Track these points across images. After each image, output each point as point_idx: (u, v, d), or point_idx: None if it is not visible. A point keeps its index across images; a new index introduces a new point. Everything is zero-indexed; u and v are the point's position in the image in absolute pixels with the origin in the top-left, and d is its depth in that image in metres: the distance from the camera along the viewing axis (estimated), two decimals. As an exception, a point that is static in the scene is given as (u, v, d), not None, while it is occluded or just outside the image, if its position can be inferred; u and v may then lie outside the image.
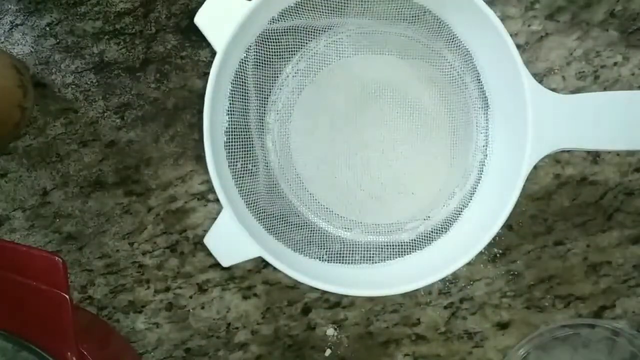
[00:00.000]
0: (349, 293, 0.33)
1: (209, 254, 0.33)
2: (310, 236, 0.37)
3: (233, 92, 0.34)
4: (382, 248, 0.37)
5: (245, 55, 0.34)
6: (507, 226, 0.40)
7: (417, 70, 0.38)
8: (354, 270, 0.36)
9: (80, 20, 0.40)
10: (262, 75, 0.37)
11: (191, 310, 0.41)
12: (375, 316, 0.41)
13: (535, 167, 0.32)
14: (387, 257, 0.36)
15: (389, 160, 0.39)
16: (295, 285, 0.41)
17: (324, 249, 0.36)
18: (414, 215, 0.38)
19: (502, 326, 0.41)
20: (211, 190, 0.41)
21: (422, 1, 0.34)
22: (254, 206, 0.35)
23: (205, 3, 0.32)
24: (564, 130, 0.32)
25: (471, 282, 0.41)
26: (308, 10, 0.35)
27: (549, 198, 0.40)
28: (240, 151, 0.35)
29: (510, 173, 0.33)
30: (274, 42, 0.36)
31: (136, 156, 0.41)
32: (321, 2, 0.35)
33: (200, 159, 0.41)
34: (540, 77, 0.40)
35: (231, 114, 0.34)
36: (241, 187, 0.35)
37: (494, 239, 0.32)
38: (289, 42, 0.37)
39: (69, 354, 0.30)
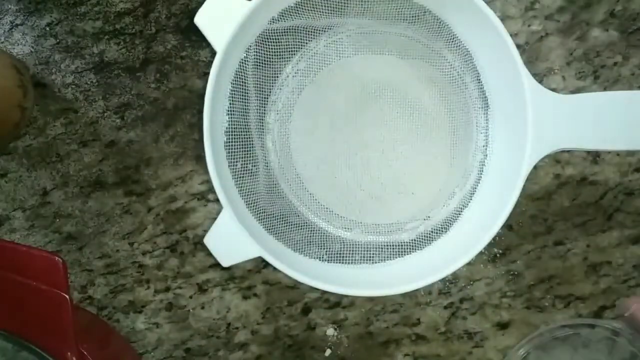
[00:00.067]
0: (349, 293, 0.33)
1: (209, 254, 0.33)
2: (310, 236, 0.37)
3: (233, 92, 0.34)
4: (382, 248, 0.37)
5: (245, 55, 0.34)
6: (507, 226, 0.40)
7: (417, 70, 0.38)
8: (354, 270, 0.36)
9: (80, 20, 0.40)
10: (262, 75, 0.37)
11: (191, 310, 0.41)
12: (375, 316, 0.41)
13: (535, 167, 0.32)
14: (387, 257, 0.36)
15: (389, 160, 0.39)
16: (295, 285, 0.41)
17: (324, 249, 0.36)
18: (414, 215, 0.38)
19: (502, 326, 0.41)
20: (211, 190, 0.41)
21: (422, 1, 0.34)
22: (254, 206, 0.35)
23: (205, 3, 0.32)
24: (564, 130, 0.32)
25: (471, 282, 0.41)
26: (308, 10, 0.35)
27: (549, 198, 0.40)
28: (240, 151, 0.35)
29: (510, 173, 0.33)
30: (274, 42, 0.36)
31: (136, 156, 0.41)
32: (321, 2, 0.35)
33: (200, 159, 0.41)
34: (540, 77, 0.40)
35: (231, 114, 0.34)
36: (241, 187, 0.35)
37: (494, 239, 0.32)
38: (289, 42, 0.37)
39: (69, 354, 0.30)
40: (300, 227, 0.38)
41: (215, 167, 0.32)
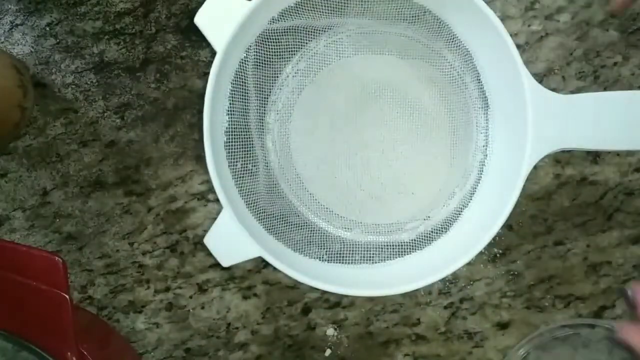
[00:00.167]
0: (349, 293, 0.33)
1: (209, 254, 0.33)
2: (310, 236, 0.37)
3: (233, 92, 0.34)
4: (382, 248, 0.37)
5: (245, 55, 0.34)
6: (507, 226, 0.40)
7: (417, 70, 0.38)
8: (354, 270, 0.36)
9: (80, 20, 0.40)
10: (262, 75, 0.37)
11: (191, 310, 0.41)
12: (375, 316, 0.41)
13: (535, 167, 0.32)
14: (387, 257, 0.36)
15: (389, 160, 0.39)
16: (295, 285, 0.41)
17: (324, 249, 0.36)
18: (414, 215, 0.38)
19: (502, 326, 0.41)
20: (211, 190, 0.41)
21: (422, 1, 0.34)
22: (254, 206, 0.35)
23: (205, 3, 0.32)
24: (564, 130, 0.32)
25: (471, 282, 0.41)
26: (308, 10, 0.35)
27: (549, 198, 0.40)
28: (240, 151, 0.35)
29: (510, 173, 0.33)
30: (274, 42, 0.36)
31: (136, 156, 0.41)
32: (321, 2, 0.35)
33: (200, 159, 0.41)
34: (540, 77, 0.40)
35: (231, 114, 0.34)
36: (241, 187, 0.35)
37: (494, 239, 0.32)
38: (289, 42, 0.37)
39: (69, 354, 0.30)
40: (300, 227, 0.38)
41: (215, 167, 0.32)
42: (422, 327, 0.41)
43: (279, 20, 0.34)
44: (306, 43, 0.38)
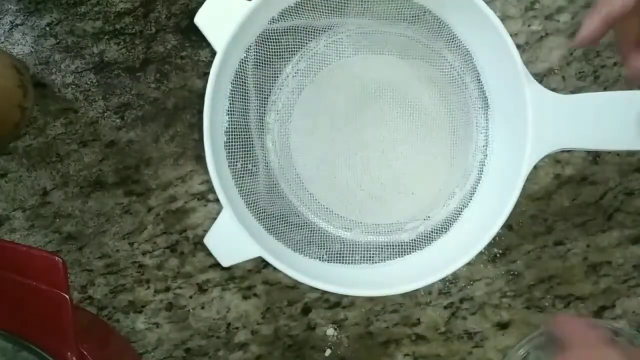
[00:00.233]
0: (349, 293, 0.33)
1: (209, 254, 0.33)
2: (310, 236, 0.37)
3: (233, 92, 0.34)
4: (382, 248, 0.37)
5: (245, 55, 0.34)
6: (507, 226, 0.40)
7: (417, 70, 0.38)
8: (354, 270, 0.36)
9: (80, 20, 0.40)
10: (262, 75, 0.37)
11: (191, 310, 0.41)
12: (375, 316, 0.41)
13: (535, 167, 0.32)
14: (387, 257, 0.36)
15: (389, 160, 0.39)
16: (295, 285, 0.41)
17: (324, 249, 0.36)
18: (414, 215, 0.38)
19: (502, 326, 0.41)
20: (211, 190, 0.41)
21: (422, 1, 0.34)
22: (254, 206, 0.35)
23: (205, 3, 0.32)
24: (564, 130, 0.32)
25: (471, 282, 0.41)
26: (308, 10, 0.35)
27: (549, 198, 0.40)
28: (240, 151, 0.35)
29: (510, 173, 0.33)
30: (274, 42, 0.36)
31: (136, 156, 0.41)
32: (321, 2, 0.35)
33: (200, 159, 0.41)
34: (540, 77, 0.40)
35: (231, 114, 0.34)
36: (241, 187, 0.35)
37: (494, 239, 0.32)
38: (289, 42, 0.37)
39: (69, 354, 0.30)
40: (300, 227, 0.38)
41: (215, 167, 0.32)
42: (422, 327, 0.41)
43: (279, 20, 0.34)
44: (306, 43, 0.38)
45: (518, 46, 0.32)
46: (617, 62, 0.40)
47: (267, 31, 0.35)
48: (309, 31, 0.37)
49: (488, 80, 0.35)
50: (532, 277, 0.41)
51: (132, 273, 0.41)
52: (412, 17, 0.36)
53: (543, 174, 0.40)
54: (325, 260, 0.36)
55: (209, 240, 0.33)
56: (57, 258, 0.30)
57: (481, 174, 0.36)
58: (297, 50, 0.38)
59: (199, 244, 0.41)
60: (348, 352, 0.41)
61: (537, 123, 0.32)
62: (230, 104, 0.34)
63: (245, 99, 0.36)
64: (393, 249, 0.37)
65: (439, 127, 0.38)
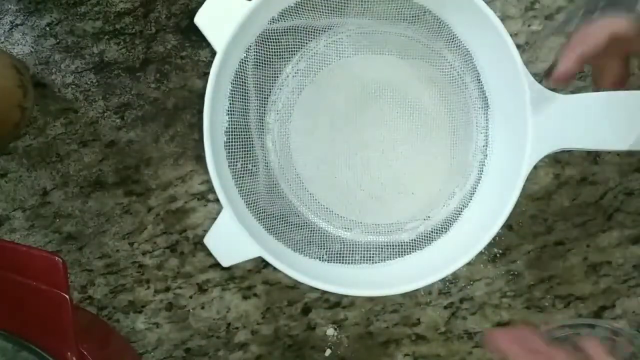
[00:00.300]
0: (349, 293, 0.33)
1: (209, 254, 0.33)
2: (310, 236, 0.37)
3: (233, 92, 0.34)
4: (382, 248, 0.37)
5: (245, 55, 0.34)
6: (507, 226, 0.40)
7: (417, 70, 0.38)
8: (354, 270, 0.36)
9: (80, 20, 0.40)
10: (262, 75, 0.37)
11: (191, 310, 0.41)
12: (375, 316, 0.41)
13: (535, 167, 0.32)
14: (387, 257, 0.36)
15: (389, 160, 0.39)
16: (295, 285, 0.41)
17: (324, 249, 0.36)
18: (414, 215, 0.38)
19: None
20: (211, 190, 0.41)
21: (422, 1, 0.34)
22: (254, 206, 0.35)
23: (205, 3, 0.32)
24: (564, 130, 0.32)
25: (471, 282, 0.41)
26: (308, 10, 0.35)
27: (549, 198, 0.40)
28: (240, 151, 0.35)
29: (510, 173, 0.33)
30: (274, 42, 0.36)
31: (136, 156, 0.41)
32: (321, 2, 0.35)
33: (200, 159, 0.41)
34: (540, 77, 0.40)
35: (231, 114, 0.34)
36: (241, 187, 0.35)
37: (494, 239, 0.32)
38: (289, 42, 0.37)
39: (69, 354, 0.30)
40: (300, 227, 0.38)
41: (215, 167, 0.32)
42: (422, 327, 0.41)
43: (279, 20, 0.34)
44: (306, 43, 0.38)
45: (518, 46, 0.32)
46: (617, 62, 0.40)
47: (267, 31, 0.35)
48: (309, 31, 0.37)
49: (488, 80, 0.35)
50: (532, 277, 0.41)
51: (132, 273, 0.41)
52: (412, 17, 0.36)
53: (543, 174, 0.40)
54: (325, 260, 0.36)
55: (209, 240, 0.33)
56: (57, 258, 0.31)
57: (481, 174, 0.36)
58: (297, 50, 0.38)
59: (199, 244, 0.41)
60: (348, 352, 0.41)
61: (537, 123, 0.32)
62: (230, 104, 0.34)
63: (245, 99, 0.36)
64: (393, 249, 0.37)
65: (439, 127, 0.38)
